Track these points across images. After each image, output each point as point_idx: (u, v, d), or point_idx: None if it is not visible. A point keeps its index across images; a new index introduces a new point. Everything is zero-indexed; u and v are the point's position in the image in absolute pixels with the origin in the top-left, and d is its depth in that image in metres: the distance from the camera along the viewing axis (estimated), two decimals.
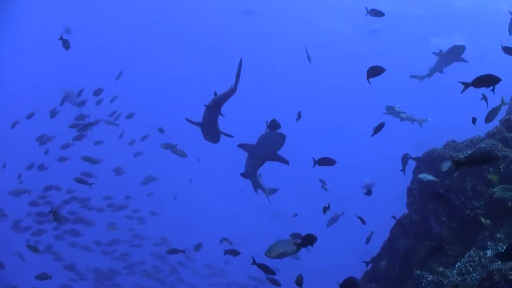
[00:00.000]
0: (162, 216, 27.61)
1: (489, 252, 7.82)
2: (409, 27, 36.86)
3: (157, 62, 48.70)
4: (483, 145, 9.30)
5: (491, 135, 9.70)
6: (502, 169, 8.76)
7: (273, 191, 11.96)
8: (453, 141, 10.56)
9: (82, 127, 15.87)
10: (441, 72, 14.83)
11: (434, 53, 14.36)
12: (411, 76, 16.14)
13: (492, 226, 8.17)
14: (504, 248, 7.61)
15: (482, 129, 10.06)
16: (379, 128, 9.17)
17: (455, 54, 13.77)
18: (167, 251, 13.10)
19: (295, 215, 18.23)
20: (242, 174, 10.53)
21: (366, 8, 10.99)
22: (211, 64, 45.35)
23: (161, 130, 15.78)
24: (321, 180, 14.28)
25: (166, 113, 43.01)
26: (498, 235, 7.94)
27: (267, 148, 9.39)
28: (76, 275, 24.39)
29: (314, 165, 9.04)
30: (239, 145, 9.61)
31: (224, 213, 45.73)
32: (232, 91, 9.31)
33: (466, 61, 13.69)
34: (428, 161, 10.37)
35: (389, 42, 38.25)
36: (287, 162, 9.81)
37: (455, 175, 9.41)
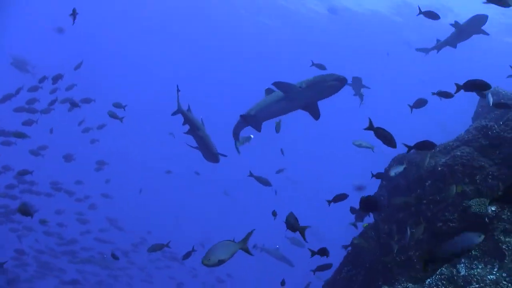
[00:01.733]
0: (115, 200, 26.95)
1: (462, 270, 7.29)
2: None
3: None
4: (459, 153, 8.78)
5: (466, 142, 9.17)
6: (478, 180, 8.27)
7: (247, 139, 10.86)
8: None
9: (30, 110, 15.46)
10: (454, 46, 13.32)
11: (451, 24, 12.76)
12: (417, 49, 14.78)
13: None
14: (480, 266, 7.19)
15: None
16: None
17: (476, 25, 12.29)
18: (149, 248, 12.14)
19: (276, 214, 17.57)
20: (243, 116, 9.40)
21: None
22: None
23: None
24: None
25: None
26: (473, 252, 7.41)
27: (321, 93, 8.29)
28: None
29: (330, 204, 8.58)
30: (274, 84, 8.32)
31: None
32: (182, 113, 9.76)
33: (487, 34, 12.37)
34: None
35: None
36: (317, 117, 8.91)
37: (427, 183, 8.89)
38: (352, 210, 9.67)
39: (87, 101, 16.54)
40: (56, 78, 15.52)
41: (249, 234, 5.95)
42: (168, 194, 46.88)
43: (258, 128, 9.50)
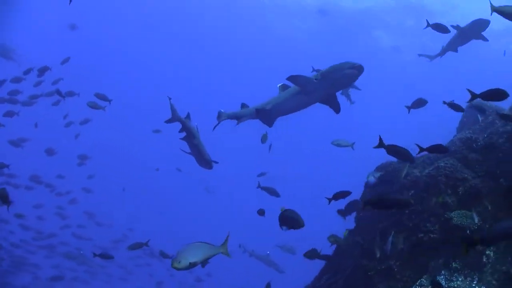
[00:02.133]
0: (97, 195, 26.79)
1: (443, 282, 7.29)
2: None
3: None
4: (442, 164, 8.79)
5: (450, 153, 9.17)
6: (460, 192, 8.28)
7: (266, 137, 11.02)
8: None
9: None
10: (456, 51, 13.15)
11: (452, 26, 12.31)
12: (420, 55, 14.66)
13: (447, 254, 7.67)
14: (460, 279, 7.20)
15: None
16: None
17: (477, 29, 12.06)
18: (129, 246, 12.04)
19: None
20: (258, 110, 8.98)
21: None
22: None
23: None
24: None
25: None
26: (453, 265, 7.42)
27: (338, 83, 8.01)
28: None
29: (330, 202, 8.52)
30: (288, 78, 7.88)
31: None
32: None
33: (486, 40, 12.18)
34: (382, 176, 9.77)
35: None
36: (338, 110, 8.62)
37: (410, 193, 8.89)
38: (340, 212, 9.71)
39: (70, 94, 16.32)
40: (43, 71, 15.28)
41: (228, 237, 5.80)
42: (153, 191, 46.59)
43: (270, 124, 9.20)
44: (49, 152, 19.87)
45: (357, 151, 11.46)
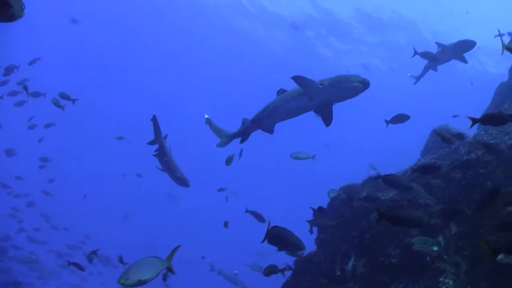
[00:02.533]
0: (56, 199, 26.16)
1: None
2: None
3: None
4: None
5: (413, 178, 9.21)
6: None
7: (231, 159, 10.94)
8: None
9: None
10: (435, 70, 12.72)
11: (437, 43, 12.05)
12: (410, 76, 13.97)
13: (407, 278, 7.64)
14: None
15: None
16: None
17: (461, 50, 11.65)
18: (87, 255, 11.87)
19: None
20: (254, 121, 8.60)
21: None
22: None
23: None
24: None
25: None
26: None
27: (342, 93, 7.76)
28: None
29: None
30: (293, 77, 7.57)
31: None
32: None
33: (465, 61, 11.84)
34: (344, 198, 9.74)
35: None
36: (329, 122, 8.25)
37: (363, 223, 8.86)
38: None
39: (36, 95, 15.90)
40: (9, 70, 14.84)
41: (174, 250, 5.43)
42: (115, 197, 45.89)
43: (270, 131, 8.76)
44: (9, 152, 19.40)
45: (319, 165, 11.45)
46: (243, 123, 8.98)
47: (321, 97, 7.77)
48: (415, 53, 10.92)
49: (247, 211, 10.84)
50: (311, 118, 8.41)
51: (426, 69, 13.12)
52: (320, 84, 7.63)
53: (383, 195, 9.13)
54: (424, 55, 10.72)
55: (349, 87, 7.58)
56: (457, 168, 8.71)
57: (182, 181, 10.11)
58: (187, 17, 41.66)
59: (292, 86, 7.93)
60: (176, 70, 49.85)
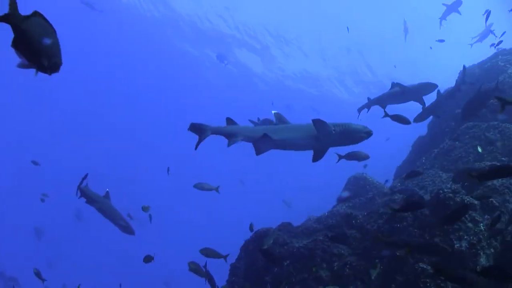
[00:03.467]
0: None
1: None
2: None
3: None
4: (321, 237, 8.65)
5: (329, 226, 9.10)
6: (335, 268, 8.14)
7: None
8: (289, 223, 9.86)
9: None
10: (384, 108, 11.28)
11: (396, 83, 11.64)
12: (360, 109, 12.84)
13: None
14: None
15: None
16: None
17: (421, 93, 11.21)
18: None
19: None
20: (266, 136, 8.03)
21: None
22: None
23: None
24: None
25: None
26: None
27: (347, 141, 7.91)
28: None
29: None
30: (314, 121, 7.55)
31: None
32: None
33: (423, 104, 11.19)
34: (257, 242, 9.45)
35: None
36: (316, 160, 8.32)
37: (285, 263, 8.61)
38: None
39: None
40: None
41: None
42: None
43: (262, 152, 8.29)
44: None
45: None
46: (228, 122, 8.59)
47: (328, 141, 7.86)
48: (386, 115, 10.30)
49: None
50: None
51: (373, 102, 12.41)
52: (333, 130, 7.68)
53: (298, 241, 8.93)
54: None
55: (356, 137, 7.81)
56: (373, 219, 8.68)
57: (127, 229, 10.15)
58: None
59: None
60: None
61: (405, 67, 33.33)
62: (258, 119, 9.28)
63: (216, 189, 10.65)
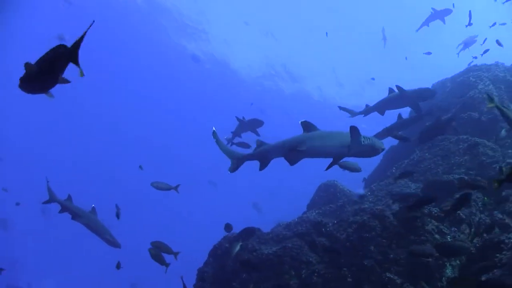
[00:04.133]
0: None
1: None
2: None
3: None
4: (290, 244, 8.68)
5: (299, 234, 9.11)
6: (303, 275, 8.16)
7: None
8: (258, 229, 9.83)
9: None
10: (382, 114, 12.14)
11: (396, 86, 11.59)
12: (340, 108, 13.07)
13: None
14: None
15: None
16: None
17: (418, 98, 11.33)
18: None
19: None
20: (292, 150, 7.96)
21: None
22: None
23: None
24: None
25: None
26: None
27: (365, 154, 7.88)
28: None
29: None
30: (351, 128, 7.51)
31: None
32: None
33: (419, 112, 11.40)
34: (227, 248, 9.42)
35: None
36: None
37: (243, 276, 8.60)
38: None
39: None
40: None
41: None
42: None
43: (294, 162, 8.19)
44: None
45: None
46: (258, 146, 8.30)
47: (356, 151, 7.81)
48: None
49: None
50: None
51: (372, 109, 12.44)
52: (363, 141, 7.71)
53: (267, 248, 8.92)
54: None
55: (375, 152, 7.87)
56: (342, 228, 8.73)
57: (113, 244, 10.22)
58: None
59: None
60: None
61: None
62: (243, 117, 9.45)
63: (175, 188, 10.56)
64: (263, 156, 8.11)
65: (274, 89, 48.06)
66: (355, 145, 7.70)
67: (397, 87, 11.38)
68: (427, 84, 14.00)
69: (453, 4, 18.45)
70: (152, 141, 49.21)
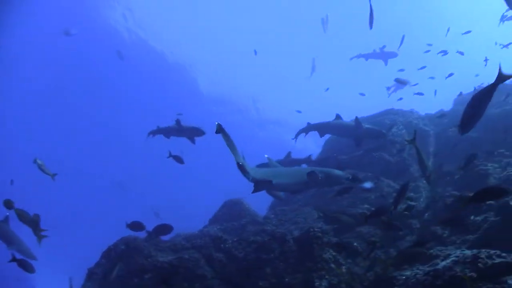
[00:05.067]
0: None
1: None
2: None
3: None
4: (186, 256, 8.47)
5: (198, 247, 8.94)
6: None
7: None
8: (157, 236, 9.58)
9: None
10: (321, 136, 12.69)
11: (359, 120, 11.94)
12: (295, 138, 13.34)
13: None
14: None
15: None
16: None
17: (368, 136, 11.89)
18: None
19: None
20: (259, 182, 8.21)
21: None
22: None
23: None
24: None
25: None
26: None
27: (329, 185, 8.75)
28: None
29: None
30: (310, 173, 8.05)
31: None
32: None
33: (360, 146, 12.00)
34: (123, 250, 9.08)
35: None
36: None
37: (146, 276, 8.32)
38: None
39: None
40: None
41: None
42: None
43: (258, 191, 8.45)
44: None
45: None
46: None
47: (315, 186, 8.63)
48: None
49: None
50: None
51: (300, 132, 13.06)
52: (320, 177, 8.19)
53: (163, 256, 8.68)
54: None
55: (337, 182, 8.66)
56: (242, 246, 8.67)
57: (25, 254, 10.19)
58: None
59: None
60: None
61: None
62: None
63: (52, 176, 10.22)
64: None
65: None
66: (312, 183, 8.23)
67: (356, 119, 11.84)
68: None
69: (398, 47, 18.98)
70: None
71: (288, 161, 12.01)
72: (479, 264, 4.49)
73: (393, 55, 21.26)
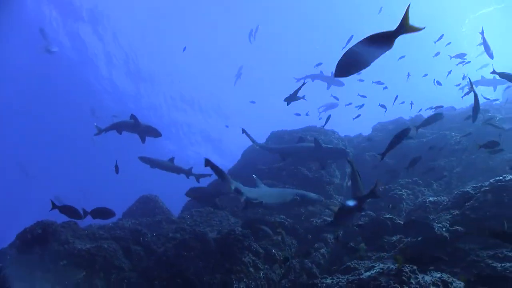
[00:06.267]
0: None
1: None
2: None
3: None
4: (106, 245, 8.50)
5: (116, 238, 9.00)
6: (112, 279, 8.05)
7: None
8: (75, 223, 9.46)
9: None
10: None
11: (318, 141, 12.14)
12: (243, 131, 13.06)
13: None
14: None
15: None
16: None
17: (329, 156, 12.42)
18: None
19: None
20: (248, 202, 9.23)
21: None
22: None
23: None
24: None
25: None
26: None
27: (306, 205, 10.45)
28: None
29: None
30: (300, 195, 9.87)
31: None
32: None
33: (323, 167, 12.58)
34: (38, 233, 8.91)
35: None
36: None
37: (62, 263, 8.24)
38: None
39: None
40: None
41: None
42: None
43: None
44: None
45: None
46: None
47: (293, 206, 10.29)
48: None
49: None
50: None
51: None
52: (297, 199, 9.80)
53: (81, 243, 8.62)
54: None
55: (313, 203, 10.56)
56: (161, 242, 8.85)
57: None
58: None
59: None
60: None
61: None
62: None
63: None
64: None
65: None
66: (291, 204, 9.75)
67: (315, 140, 12.17)
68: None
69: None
70: None
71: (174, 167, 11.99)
72: (403, 277, 5.00)
73: (341, 84, 21.18)
